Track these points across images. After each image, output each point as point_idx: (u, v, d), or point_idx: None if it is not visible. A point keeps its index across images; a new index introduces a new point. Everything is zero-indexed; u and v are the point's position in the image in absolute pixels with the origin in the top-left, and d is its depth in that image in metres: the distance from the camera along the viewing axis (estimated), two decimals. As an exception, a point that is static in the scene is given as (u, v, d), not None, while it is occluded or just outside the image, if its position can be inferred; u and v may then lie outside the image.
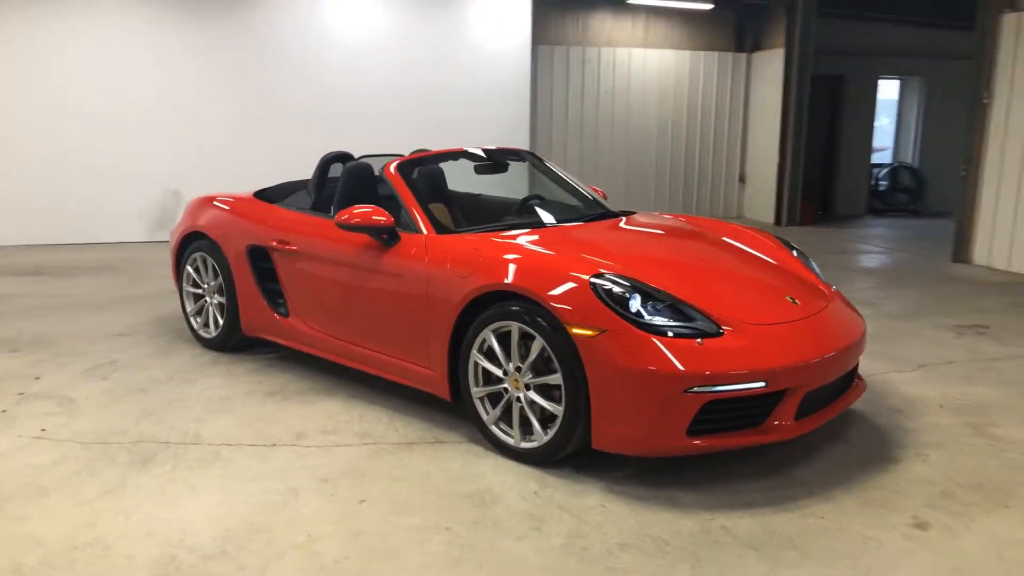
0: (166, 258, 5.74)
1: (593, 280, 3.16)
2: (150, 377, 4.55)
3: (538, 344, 3.24)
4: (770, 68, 11.85)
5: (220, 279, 4.87)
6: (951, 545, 2.77)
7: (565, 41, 11.49)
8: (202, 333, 5.12)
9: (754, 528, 2.88)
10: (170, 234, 5.46)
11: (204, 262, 5.01)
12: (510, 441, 3.43)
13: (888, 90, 13.81)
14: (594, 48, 11.64)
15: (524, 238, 3.77)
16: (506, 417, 3.46)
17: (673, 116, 12.15)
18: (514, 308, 3.29)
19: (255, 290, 4.66)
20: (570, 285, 3.17)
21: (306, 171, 5.06)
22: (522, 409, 3.37)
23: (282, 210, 4.64)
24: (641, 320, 3.05)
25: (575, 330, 3.09)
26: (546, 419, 3.33)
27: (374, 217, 3.84)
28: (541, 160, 4.96)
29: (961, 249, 8.57)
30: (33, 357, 4.90)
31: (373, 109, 10.00)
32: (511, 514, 2.98)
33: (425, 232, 3.85)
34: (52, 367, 4.72)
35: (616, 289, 3.14)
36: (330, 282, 4.24)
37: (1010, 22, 8.00)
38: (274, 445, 3.62)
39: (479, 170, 4.60)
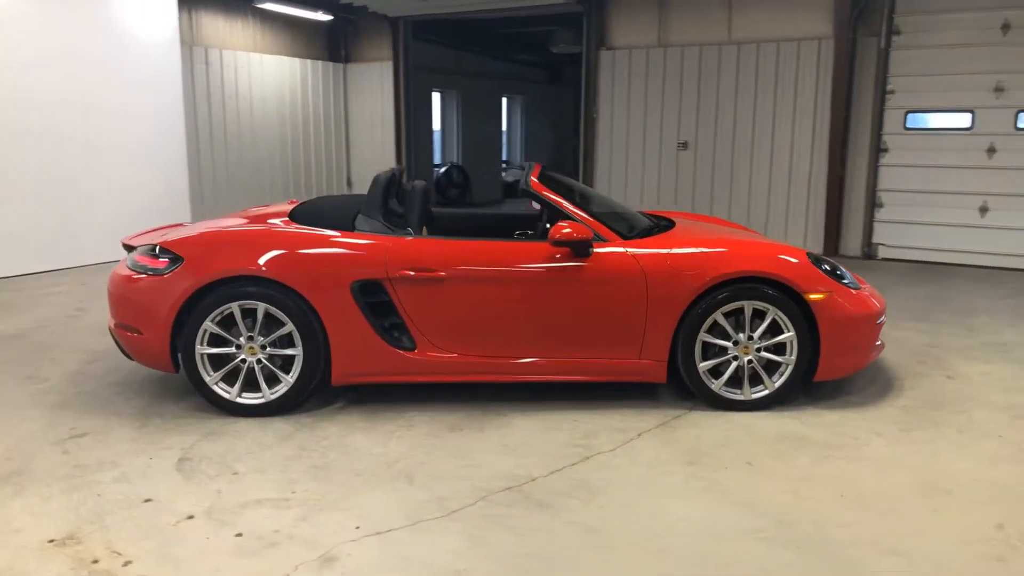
0: None
1: (809, 256, 4.30)
2: (289, 457, 3.72)
3: (771, 314, 4.20)
4: (373, 79, 12.89)
5: (289, 327, 4.10)
6: (981, 382, 4.85)
7: (182, 40, 10.49)
8: (242, 400, 4.18)
9: (909, 404, 4.48)
10: (147, 290, 4.15)
11: (248, 313, 4.10)
12: (739, 397, 4.30)
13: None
14: (216, 50, 10.92)
15: (685, 236, 4.53)
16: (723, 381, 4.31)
17: (291, 122, 12.20)
18: (759, 289, 4.16)
19: (366, 329, 4.14)
20: (799, 263, 4.25)
21: None
22: (751, 368, 4.28)
23: (400, 239, 4.22)
24: (842, 280, 4.34)
25: (811, 296, 4.19)
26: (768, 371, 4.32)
27: (579, 233, 4.10)
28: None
29: (588, 227, 11.31)
30: (44, 489, 3.38)
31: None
32: (833, 437, 3.97)
33: (612, 239, 4.28)
34: (125, 502, 3.40)
35: (822, 262, 4.34)
36: (502, 301, 4.20)
37: (606, 57, 10.88)
38: (587, 458, 3.72)
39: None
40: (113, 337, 4.45)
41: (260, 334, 4.15)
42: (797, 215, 9.85)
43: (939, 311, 6.69)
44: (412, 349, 4.24)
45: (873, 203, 9.39)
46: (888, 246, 9.36)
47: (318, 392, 4.43)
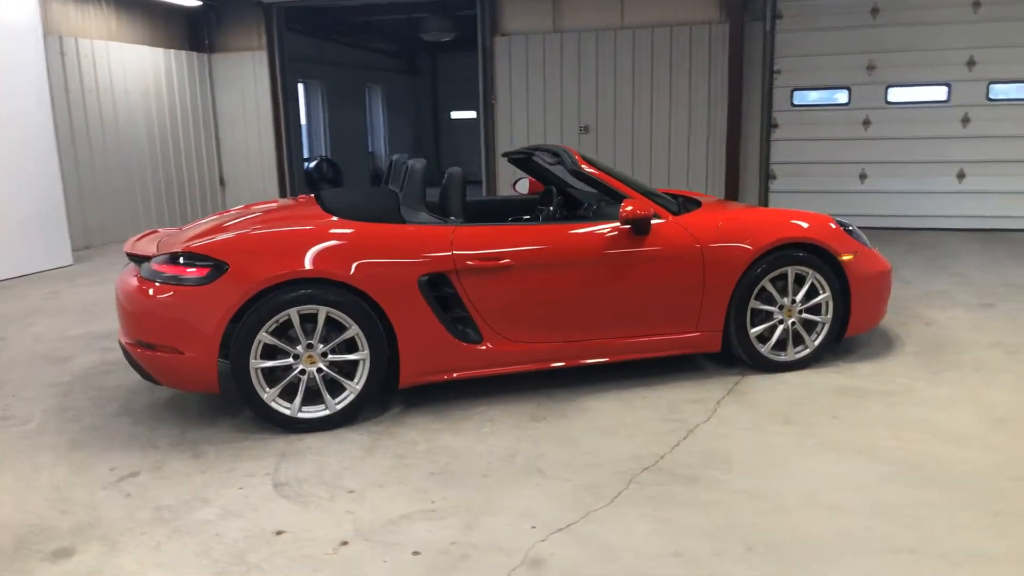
0: None
1: (837, 221, 4.58)
2: (394, 467, 3.46)
3: (810, 277, 4.45)
4: (243, 70, 12.02)
5: (353, 330, 3.78)
6: (955, 326, 5.39)
7: (33, 28, 9.23)
8: (304, 415, 3.81)
9: (917, 350, 4.92)
10: (183, 304, 3.64)
11: (307, 320, 3.74)
12: (783, 358, 4.52)
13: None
14: (71, 39, 9.71)
15: (721, 210, 4.67)
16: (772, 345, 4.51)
17: (157, 118, 11.11)
18: (797, 255, 4.38)
19: (435, 325, 3.91)
20: (831, 228, 4.51)
21: None
22: (794, 332, 4.50)
23: (458, 228, 4.01)
24: (861, 240, 4.66)
25: (844, 257, 4.47)
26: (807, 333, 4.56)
27: (642, 210, 4.11)
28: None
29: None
30: (143, 538, 2.93)
31: None
32: (881, 385, 4.28)
33: (665, 216, 4.33)
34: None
35: (844, 224, 4.64)
36: (567, 284, 4.12)
37: (501, 44, 10.86)
38: (691, 431, 3.75)
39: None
40: (129, 358, 3.90)
41: (319, 341, 3.80)
42: (697, 191, 10.39)
43: (866, 268, 7.36)
44: (478, 342, 4.06)
45: (767, 175, 10.12)
46: (781, 215, 10.12)
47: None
